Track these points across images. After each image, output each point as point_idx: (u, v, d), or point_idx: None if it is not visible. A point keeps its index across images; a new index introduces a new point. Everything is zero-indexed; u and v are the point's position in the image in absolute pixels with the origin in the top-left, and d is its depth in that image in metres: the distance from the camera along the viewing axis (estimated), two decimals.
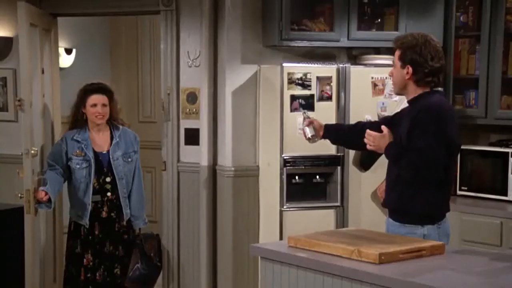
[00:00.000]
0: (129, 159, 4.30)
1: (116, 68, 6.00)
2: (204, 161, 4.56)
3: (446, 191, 3.11)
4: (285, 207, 4.12)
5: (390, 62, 4.33)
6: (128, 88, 6.11)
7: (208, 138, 4.56)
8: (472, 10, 4.46)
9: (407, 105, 3.13)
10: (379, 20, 4.44)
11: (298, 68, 4.11)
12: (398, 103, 4.21)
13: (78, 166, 4.16)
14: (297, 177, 4.16)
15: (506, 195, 4.19)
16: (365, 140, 3.08)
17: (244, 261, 4.40)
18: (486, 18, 4.33)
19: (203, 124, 4.57)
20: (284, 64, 4.11)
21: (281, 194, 4.11)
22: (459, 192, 4.42)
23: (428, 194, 2.99)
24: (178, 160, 4.72)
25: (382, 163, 4.18)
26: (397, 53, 3.07)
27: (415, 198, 2.99)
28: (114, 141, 4.25)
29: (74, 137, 4.19)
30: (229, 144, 4.42)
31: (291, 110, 4.09)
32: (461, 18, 4.50)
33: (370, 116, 4.17)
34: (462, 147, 4.37)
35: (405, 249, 2.66)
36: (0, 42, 5.07)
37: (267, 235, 4.26)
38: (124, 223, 4.29)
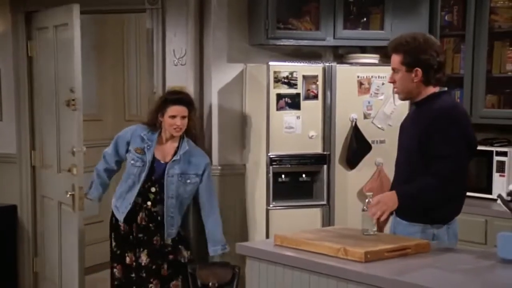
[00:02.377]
0: (188, 181, 4.01)
1: (102, 66, 5.96)
2: None
3: (462, 195, 3.03)
4: (271, 205, 4.12)
5: (375, 61, 4.40)
6: (114, 86, 6.07)
7: None
8: (457, 9, 4.49)
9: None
10: (365, 19, 4.45)
11: (284, 67, 4.11)
12: (384, 102, 4.24)
13: (132, 162, 4.00)
14: (283, 176, 4.16)
15: (491, 193, 4.21)
16: (372, 215, 2.85)
17: (231, 259, 4.39)
18: (471, 17, 4.35)
19: None
20: (270, 63, 4.11)
21: (267, 192, 4.11)
22: None
23: (442, 207, 2.92)
24: None
25: (368, 162, 4.22)
26: (398, 58, 2.96)
27: (432, 211, 2.92)
28: (175, 157, 3.99)
29: (142, 134, 4.01)
30: (216, 143, 4.41)
31: (277, 109, 4.09)
32: (446, 17, 4.53)
33: (356, 114, 4.19)
34: None
35: (391, 248, 2.67)
36: None
37: (254, 234, 4.26)
38: (169, 242, 4.04)
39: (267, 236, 4.06)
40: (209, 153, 4.47)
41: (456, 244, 3.02)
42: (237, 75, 4.41)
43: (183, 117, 3.96)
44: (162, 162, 3.99)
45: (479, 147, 4.27)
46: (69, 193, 4.37)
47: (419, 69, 2.93)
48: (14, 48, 4.98)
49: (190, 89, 4.52)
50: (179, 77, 4.59)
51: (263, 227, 4.14)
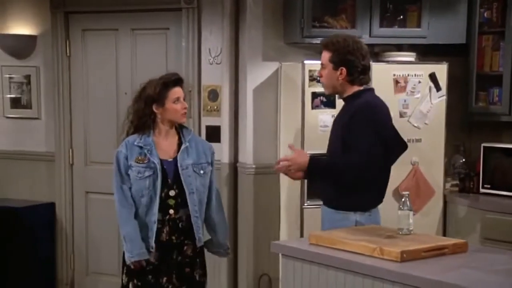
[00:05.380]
0: (201, 171, 3.43)
1: None
2: (225, 158, 4.57)
3: (382, 188, 3.24)
4: (306, 204, 4.11)
5: (412, 59, 4.36)
6: None
7: (229, 135, 4.57)
8: (496, 6, 4.41)
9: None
10: (401, 16, 4.41)
11: (319, 66, 4.08)
12: (420, 100, 4.19)
13: (139, 175, 3.32)
14: None
15: None
16: (280, 168, 3.15)
17: (265, 258, 4.40)
18: (511, 14, 4.27)
19: (224, 122, 4.58)
20: (306, 61, 4.09)
21: (301, 191, 4.10)
22: (481, 190, 4.38)
23: (363, 192, 3.12)
24: None
25: (403, 161, 4.17)
26: (327, 55, 3.19)
27: (351, 196, 3.12)
28: (183, 146, 3.41)
29: (136, 143, 3.36)
30: (250, 142, 4.43)
31: (312, 108, 4.08)
32: (485, 14, 4.45)
33: (392, 113, 4.14)
34: (486, 144, 4.37)
35: (427, 247, 2.65)
36: (24, 41, 5.13)
37: (288, 233, 4.26)
38: (190, 252, 3.43)
39: (301, 235, 4.05)
40: (243, 152, 4.49)
41: None
42: (272, 74, 4.41)
43: (183, 98, 3.44)
44: (170, 159, 3.39)
45: None
46: None
47: (344, 69, 3.15)
48: (54, 48, 5.07)
49: (226, 88, 4.55)
50: (214, 75, 4.62)
51: (298, 226, 4.13)
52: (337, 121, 3.27)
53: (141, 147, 3.35)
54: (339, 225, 3.09)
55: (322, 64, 3.24)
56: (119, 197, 3.35)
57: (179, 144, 3.43)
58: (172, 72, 3.52)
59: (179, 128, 3.47)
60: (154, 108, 3.36)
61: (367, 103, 3.14)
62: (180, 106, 3.38)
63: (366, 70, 3.20)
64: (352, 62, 3.14)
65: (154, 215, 3.32)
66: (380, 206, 3.24)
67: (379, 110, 3.18)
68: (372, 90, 3.26)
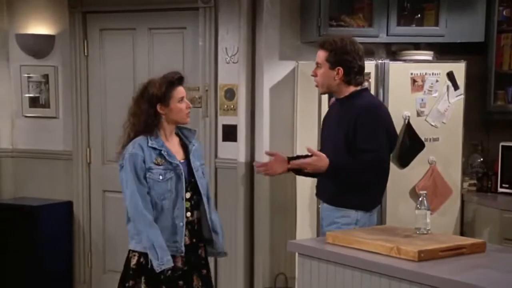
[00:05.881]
0: (203, 172, 3.39)
1: None
2: (242, 157, 4.58)
3: (383, 188, 3.31)
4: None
5: (430, 57, 4.33)
6: None
7: (246, 134, 4.57)
8: None
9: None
10: (419, 15, 4.38)
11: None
12: (438, 99, 4.17)
13: (161, 178, 3.18)
14: None
15: None
16: (304, 164, 3.20)
17: (281, 257, 4.40)
18: None
19: (240, 121, 4.58)
20: None
21: None
22: (500, 190, 4.34)
23: (367, 192, 3.18)
24: (216, 156, 4.74)
25: (421, 160, 4.16)
26: (323, 54, 3.21)
27: (356, 195, 3.16)
28: (192, 147, 3.33)
29: (149, 144, 3.20)
30: (267, 140, 4.43)
31: (329, 106, 4.06)
32: (504, 13, 4.41)
33: (409, 112, 4.13)
34: (504, 143, 4.34)
35: (445, 247, 2.64)
36: (42, 40, 5.17)
37: (304, 232, 4.26)
38: (203, 254, 3.40)
39: (318, 234, 4.04)
40: (259, 151, 4.49)
41: None
42: (288, 73, 4.41)
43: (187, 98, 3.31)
44: (182, 160, 3.29)
45: None
46: None
47: (341, 69, 3.18)
48: (71, 47, 5.10)
49: (242, 87, 4.55)
50: (231, 74, 4.62)
51: (314, 225, 4.13)
52: (335, 120, 3.28)
53: (155, 149, 3.19)
54: (342, 222, 3.14)
55: (317, 63, 3.26)
56: (141, 202, 3.13)
57: (182, 145, 3.34)
58: (174, 70, 3.31)
59: (177, 128, 3.35)
60: (158, 108, 3.20)
61: (371, 103, 3.19)
62: (185, 106, 3.25)
63: (362, 70, 3.25)
64: (349, 63, 3.18)
65: (182, 218, 3.21)
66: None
67: (383, 110, 3.26)
68: (368, 90, 3.31)
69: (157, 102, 3.19)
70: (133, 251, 3.23)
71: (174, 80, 3.22)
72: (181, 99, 3.23)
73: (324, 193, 3.34)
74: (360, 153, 3.10)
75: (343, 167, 3.15)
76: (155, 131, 3.22)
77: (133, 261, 3.22)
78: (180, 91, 3.23)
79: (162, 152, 3.20)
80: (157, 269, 3.11)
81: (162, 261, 3.11)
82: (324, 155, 3.14)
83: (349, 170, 3.14)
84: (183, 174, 3.22)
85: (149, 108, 3.19)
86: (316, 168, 3.15)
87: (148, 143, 3.19)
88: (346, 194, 3.19)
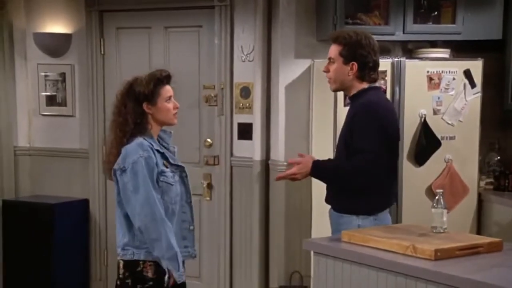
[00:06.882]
0: None
1: None
2: (257, 155, 4.58)
3: (388, 190, 3.15)
4: None
5: (446, 55, 4.31)
6: None
7: (261, 132, 4.57)
8: None
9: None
10: (435, 13, 4.36)
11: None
12: (454, 97, 4.15)
13: (172, 181, 2.99)
14: None
15: None
16: (290, 175, 3.10)
17: (297, 255, 4.40)
18: None
19: (256, 119, 4.59)
20: None
21: None
22: None
23: (367, 196, 3.02)
24: (231, 155, 4.75)
25: (437, 158, 4.14)
26: (337, 48, 3.06)
27: (353, 200, 3.04)
28: (174, 150, 3.14)
29: (153, 145, 3.00)
30: (282, 139, 4.43)
31: (345, 105, 4.04)
32: None
33: (425, 110, 4.11)
34: None
35: (462, 246, 2.62)
36: (59, 39, 5.21)
37: (319, 230, 4.25)
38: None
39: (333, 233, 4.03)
40: (275, 149, 4.50)
41: None
42: (304, 71, 4.40)
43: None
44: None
45: None
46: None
47: (356, 63, 3.03)
48: (88, 46, 5.13)
49: (258, 85, 4.55)
50: (246, 73, 4.63)
51: (329, 224, 4.11)
52: (345, 120, 3.17)
53: (157, 151, 2.98)
54: (344, 228, 3.00)
55: (330, 58, 3.10)
56: (160, 209, 2.89)
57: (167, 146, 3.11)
58: (161, 68, 3.10)
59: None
60: (144, 107, 2.97)
61: (368, 103, 3.02)
62: (172, 106, 3.02)
63: (377, 66, 3.10)
64: (364, 57, 3.03)
65: (192, 221, 3.09)
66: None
67: (382, 109, 3.05)
68: (377, 88, 3.14)
69: (144, 100, 2.97)
70: (143, 261, 2.94)
71: (162, 77, 3.01)
72: (169, 98, 3.01)
73: (329, 198, 3.25)
74: (353, 154, 2.96)
75: (324, 170, 3.05)
76: (149, 132, 3.00)
77: (149, 272, 2.94)
78: (168, 89, 3.02)
79: (166, 154, 3.02)
80: (179, 280, 2.92)
81: (181, 271, 2.92)
82: (308, 159, 3.07)
83: (334, 173, 3.03)
84: (187, 176, 3.08)
85: (135, 106, 2.97)
86: (305, 175, 3.06)
87: (150, 143, 2.97)
88: (343, 199, 3.09)
